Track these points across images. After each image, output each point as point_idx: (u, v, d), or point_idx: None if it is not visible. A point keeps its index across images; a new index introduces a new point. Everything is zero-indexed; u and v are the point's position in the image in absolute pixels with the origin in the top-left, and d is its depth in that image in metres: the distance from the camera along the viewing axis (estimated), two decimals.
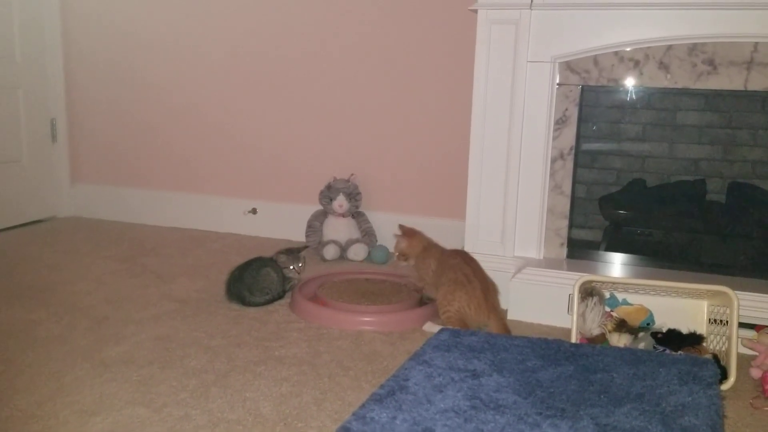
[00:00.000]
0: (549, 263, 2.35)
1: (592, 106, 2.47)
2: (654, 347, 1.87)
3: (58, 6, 3.53)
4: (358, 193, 3.08)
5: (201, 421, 1.54)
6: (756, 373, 1.85)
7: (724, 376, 1.76)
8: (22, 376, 1.75)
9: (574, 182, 2.41)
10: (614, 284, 2.03)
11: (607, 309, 2.03)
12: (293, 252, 2.47)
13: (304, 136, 3.25)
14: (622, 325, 1.95)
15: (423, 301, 2.33)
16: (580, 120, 2.36)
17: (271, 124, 3.30)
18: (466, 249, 2.40)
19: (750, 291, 2.04)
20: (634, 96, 2.44)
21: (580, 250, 2.45)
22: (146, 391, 1.68)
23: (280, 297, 2.39)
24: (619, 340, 1.92)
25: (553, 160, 2.37)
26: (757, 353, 1.88)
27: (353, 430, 1.18)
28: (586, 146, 2.50)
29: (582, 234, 2.57)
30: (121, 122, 3.57)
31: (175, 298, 2.39)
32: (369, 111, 3.13)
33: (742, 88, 2.13)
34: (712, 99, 2.39)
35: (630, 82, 2.27)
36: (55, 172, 3.64)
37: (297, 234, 3.19)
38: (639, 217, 2.62)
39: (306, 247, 2.63)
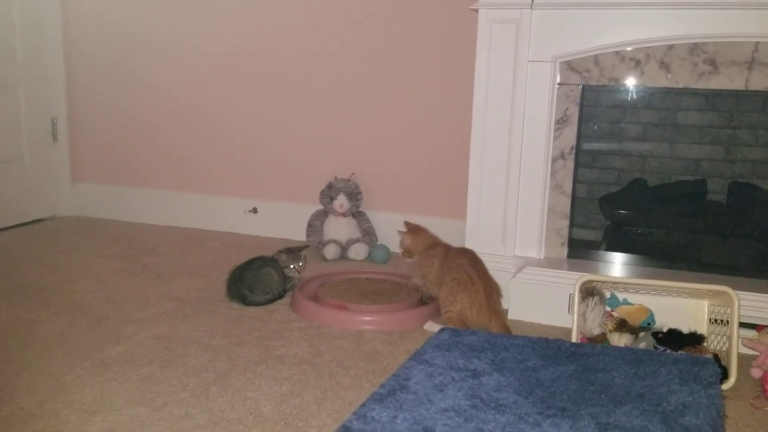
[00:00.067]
0: (549, 263, 2.35)
1: (592, 106, 2.47)
2: (655, 347, 1.87)
3: (59, 6, 3.53)
4: (359, 193, 3.08)
5: (201, 420, 1.54)
6: (756, 372, 1.85)
7: (724, 375, 1.76)
8: (22, 375, 1.76)
9: (575, 182, 2.41)
10: (615, 284, 2.03)
11: (608, 309, 2.03)
12: (294, 251, 2.47)
13: (304, 135, 3.25)
14: (622, 325, 1.95)
15: (423, 301, 2.34)
16: (581, 120, 2.36)
17: (271, 123, 3.30)
18: None
19: (750, 291, 2.04)
20: (634, 96, 2.44)
21: (580, 249, 2.45)
22: (146, 390, 1.69)
23: (280, 296, 2.40)
24: (620, 340, 1.92)
25: (554, 160, 2.37)
26: (757, 353, 1.88)
27: (354, 429, 1.18)
28: (586, 146, 2.50)
29: (583, 234, 2.57)
30: (121, 122, 3.57)
31: (176, 298, 2.39)
32: (370, 110, 3.13)
33: (743, 88, 2.13)
34: (713, 99, 2.39)
35: (631, 82, 2.27)
36: (56, 172, 3.64)
37: (297, 233, 3.19)
38: (640, 216, 2.62)
39: (306, 246, 2.64)
